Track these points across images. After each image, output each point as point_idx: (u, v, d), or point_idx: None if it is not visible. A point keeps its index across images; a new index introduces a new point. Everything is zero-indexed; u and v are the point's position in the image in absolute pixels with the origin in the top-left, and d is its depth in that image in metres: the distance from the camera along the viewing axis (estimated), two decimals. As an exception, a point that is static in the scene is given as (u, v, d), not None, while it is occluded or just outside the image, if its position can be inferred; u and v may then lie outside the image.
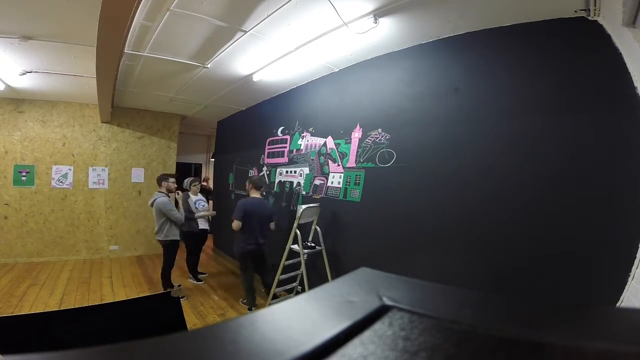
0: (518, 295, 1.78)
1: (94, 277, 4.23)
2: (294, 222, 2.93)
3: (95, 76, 3.00)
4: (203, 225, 4.11)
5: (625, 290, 1.35)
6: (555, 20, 1.76)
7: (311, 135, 3.55)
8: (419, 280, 0.32)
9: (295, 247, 3.00)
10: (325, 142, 3.32)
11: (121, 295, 3.67)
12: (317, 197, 3.33)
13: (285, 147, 3.99)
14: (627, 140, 1.49)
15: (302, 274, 3.16)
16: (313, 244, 3.12)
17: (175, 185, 3.69)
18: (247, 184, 3.41)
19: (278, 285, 3.14)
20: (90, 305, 1.42)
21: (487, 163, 2.00)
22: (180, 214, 3.53)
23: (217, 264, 5.29)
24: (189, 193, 4.08)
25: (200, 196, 4.20)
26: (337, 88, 3.22)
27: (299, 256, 3.00)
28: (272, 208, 3.43)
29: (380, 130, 2.71)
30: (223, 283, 4.24)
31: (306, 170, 3.59)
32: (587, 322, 0.25)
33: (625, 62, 1.47)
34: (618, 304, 1.36)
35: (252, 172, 4.74)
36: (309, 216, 3.06)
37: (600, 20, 1.58)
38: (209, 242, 6.59)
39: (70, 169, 5.03)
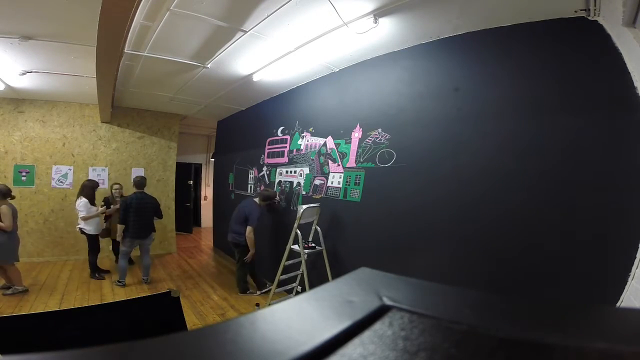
0: (518, 295, 1.78)
1: (94, 277, 4.22)
2: (294, 223, 2.94)
3: (95, 76, 3.00)
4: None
5: (625, 290, 1.35)
6: (555, 20, 1.76)
7: (311, 135, 3.55)
8: (419, 280, 0.32)
9: (295, 247, 3.00)
10: (325, 142, 3.32)
11: (121, 295, 3.67)
12: (317, 197, 3.33)
13: (285, 147, 3.98)
14: (627, 140, 1.49)
15: (302, 274, 3.16)
16: (313, 244, 3.12)
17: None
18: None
19: (278, 286, 3.14)
20: (90, 305, 1.42)
21: (487, 162, 2.00)
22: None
23: (216, 263, 5.29)
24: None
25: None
26: (337, 88, 3.22)
27: (299, 256, 3.00)
28: (247, 209, 3.71)
29: (380, 130, 2.71)
30: (223, 283, 4.23)
31: (306, 170, 3.58)
32: (587, 322, 0.25)
33: (625, 62, 1.47)
34: (618, 304, 1.36)
35: (252, 172, 4.74)
36: (309, 216, 3.06)
37: (600, 20, 1.58)
38: (209, 242, 6.60)
39: (70, 169, 5.03)
